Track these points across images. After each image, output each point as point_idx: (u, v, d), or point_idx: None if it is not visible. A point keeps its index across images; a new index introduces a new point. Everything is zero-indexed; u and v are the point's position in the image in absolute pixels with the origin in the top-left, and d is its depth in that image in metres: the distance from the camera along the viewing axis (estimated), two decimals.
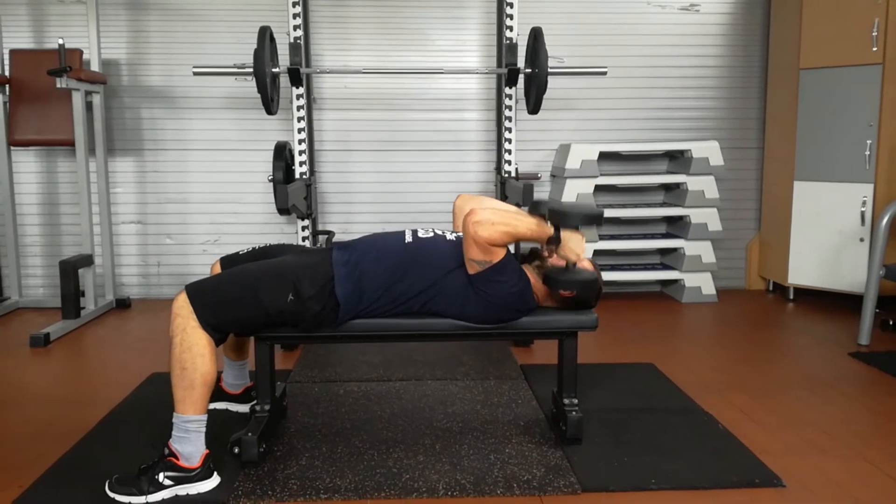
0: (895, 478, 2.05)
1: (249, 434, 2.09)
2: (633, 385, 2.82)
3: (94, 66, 4.04)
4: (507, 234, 2.03)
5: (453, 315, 2.14)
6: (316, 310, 2.05)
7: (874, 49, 3.74)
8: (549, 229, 2.12)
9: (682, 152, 4.31)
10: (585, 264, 2.24)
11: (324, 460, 2.14)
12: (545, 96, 3.46)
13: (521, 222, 2.08)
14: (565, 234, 2.12)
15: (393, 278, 2.11)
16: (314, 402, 2.63)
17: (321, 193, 4.37)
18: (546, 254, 2.21)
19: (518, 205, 3.24)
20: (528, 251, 2.30)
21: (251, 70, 3.31)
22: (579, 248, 2.15)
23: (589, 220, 2.15)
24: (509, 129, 3.67)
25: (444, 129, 4.43)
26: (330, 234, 3.88)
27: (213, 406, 2.32)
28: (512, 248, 2.41)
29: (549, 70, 3.41)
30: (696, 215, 4.23)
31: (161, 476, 1.91)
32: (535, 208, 2.29)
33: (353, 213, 4.44)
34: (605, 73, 3.74)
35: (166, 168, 4.38)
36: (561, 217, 2.11)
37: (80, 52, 3.98)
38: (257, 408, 2.22)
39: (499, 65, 3.88)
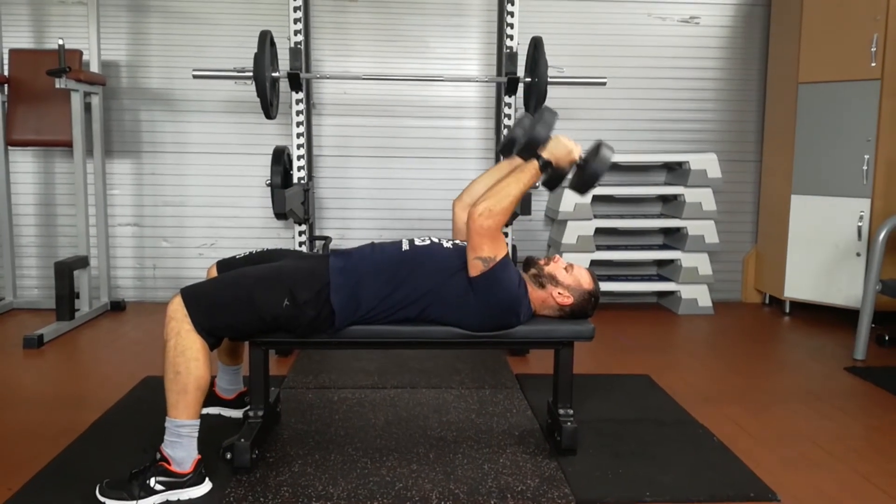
0: (889, 493, 2.04)
1: (242, 440, 2.08)
2: (629, 396, 2.81)
3: (94, 68, 4.04)
4: (509, 205, 2.05)
5: (451, 322, 2.13)
6: (311, 315, 2.05)
7: (873, 64, 3.75)
8: (534, 164, 2.12)
9: (680, 164, 4.31)
10: (584, 273, 2.24)
11: (316, 467, 2.13)
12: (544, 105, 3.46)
13: (510, 186, 2.08)
14: (548, 150, 2.13)
15: (390, 287, 2.10)
16: (308, 409, 2.61)
17: (319, 199, 4.36)
18: (543, 262, 2.22)
19: (516, 213, 3.25)
20: (525, 260, 2.30)
21: (251, 74, 3.31)
22: (567, 145, 2.15)
23: (545, 122, 2.14)
24: None
25: (443, 137, 4.43)
26: (327, 239, 3.88)
27: (205, 411, 2.31)
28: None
29: (549, 79, 3.41)
30: (693, 227, 4.24)
31: (152, 481, 1.89)
32: (507, 150, 2.32)
33: (350, 219, 4.43)
34: (604, 84, 3.75)
35: (164, 171, 4.37)
36: (529, 148, 2.13)
37: (80, 53, 3.98)
38: (250, 413, 2.21)
39: (498, 73, 3.88)
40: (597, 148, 2.16)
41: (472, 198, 2.31)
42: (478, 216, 2.02)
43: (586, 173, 2.16)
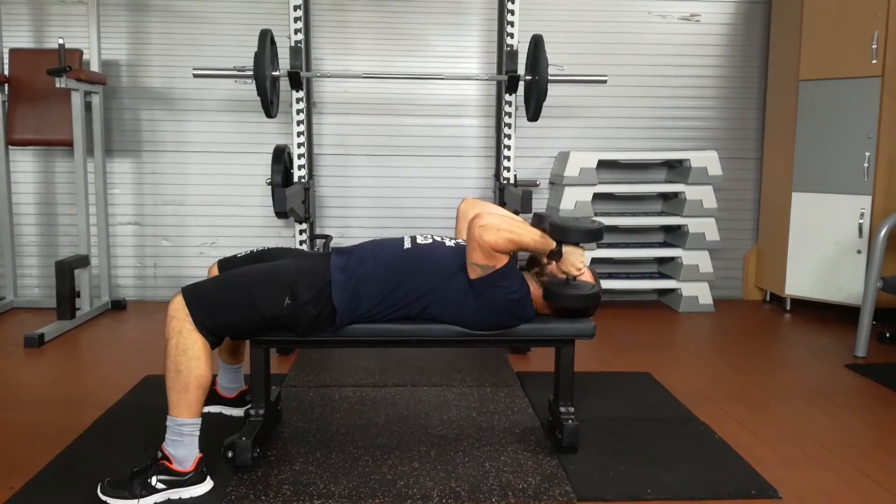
0: (891, 490, 2.04)
1: (243, 438, 2.08)
2: (630, 394, 2.81)
3: (94, 67, 4.04)
4: (512, 242, 2.03)
5: (452, 321, 2.13)
6: (312, 314, 2.04)
7: (873, 61, 3.75)
8: (552, 243, 2.12)
9: (680, 162, 4.31)
10: (586, 274, 2.24)
11: (318, 466, 2.13)
12: (545, 104, 3.46)
13: (525, 232, 2.08)
14: (567, 249, 2.13)
15: (391, 285, 2.10)
16: (309, 407, 2.61)
17: (319, 197, 4.36)
18: (546, 261, 2.21)
19: (517, 212, 3.24)
20: (528, 258, 2.29)
21: (251, 73, 3.31)
22: (580, 262, 2.15)
23: (590, 236, 2.14)
24: (508, 136, 3.67)
25: (444, 135, 4.43)
26: (328, 238, 3.88)
27: (207, 409, 2.30)
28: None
29: (550, 77, 3.41)
30: (693, 225, 4.23)
31: (154, 479, 1.89)
32: (538, 221, 2.29)
33: (351, 218, 4.43)
34: (605, 82, 3.74)
35: (164, 170, 4.37)
36: (562, 232, 2.12)
37: (80, 53, 3.98)
38: (252, 412, 2.21)
39: (499, 71, 3.88)
40: (592, 290, 2.16)
41: (483, 207, 2.32)
42: (481, 226, 2.01)
43: (563, 292, 2.14)
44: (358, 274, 2.10)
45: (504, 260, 2.06)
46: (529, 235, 2.09)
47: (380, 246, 2.21)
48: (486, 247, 2.01)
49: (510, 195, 3.45)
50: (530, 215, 4.17)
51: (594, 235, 2.15)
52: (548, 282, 2.19)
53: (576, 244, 2.14)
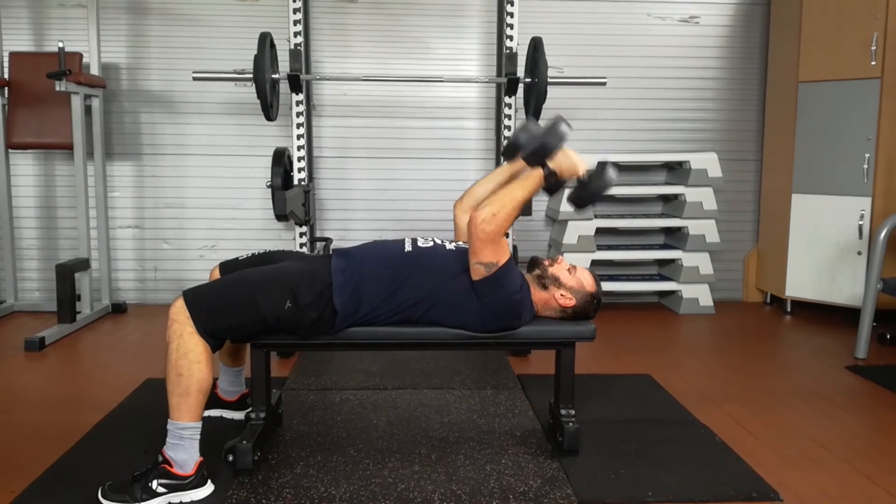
0: (891, 492, 2.04)
1: (244, 442, 2.08)
2: (630, 396, 2.81)
3: (94, 70, 4.04)
4: (512, 211, 2.04)
5: (453, 324, 2.13)
6: (313, 317, 2.04)
7: (873, 63, 3.75)
8: (537, 172, 2.10)
9: (680, 163, 4.31)
10: (586, 275, 2.24)
11: (318, 469, 2.13)
12: (544, 106, 3.46)
13: (514, 192, 2.08)
14: (554, 163, 2.11)
15: (391, 287, 2.10)
16: (310, 410, 2.61)
17: (319, 200, 4.37)
18: (547, 263, 2.22)
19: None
20: (529, 261, 2.29)
21: (251, 76, 3.31)
22: (574, 160, 2.13)
23: (556, 137, 2.09)
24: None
25: (444, 138, 4.43)
26: (328, 240, 3.88)
27: (207, 413, 2.31)
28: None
29: (549, 80, 3.41)
30: (694, 227, 4.23)
31: (154, 483, 1.89)
32: (510, 153, 2.28)
33: (351, 220, 4.44)
34: (604, 84, 3.75)
35: (164, 173, 4.37)
36: (536, 156, 2.10)
37: (80, 56, 3.98)
38: (252, 415, 2.21)
39: (498, 74, 3.88)
40: (602, 168, 2.13)
41: (473, 201, 2.32)
42: (480, 221, 2.01)
43: (587, 191, 2.15)
44: (358, 276, 2.10)
45: (506, 255, 2.07)
46: (520, 190, 2.08)
47: (380, 248, 2.21)
48: (494, 237, 2.01)
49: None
50: (531, 217, 4.18)
51: (563, 128, 2.10)
52: (570, 196, 2.16)
53: (556, 150, 2.10)
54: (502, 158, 2.34)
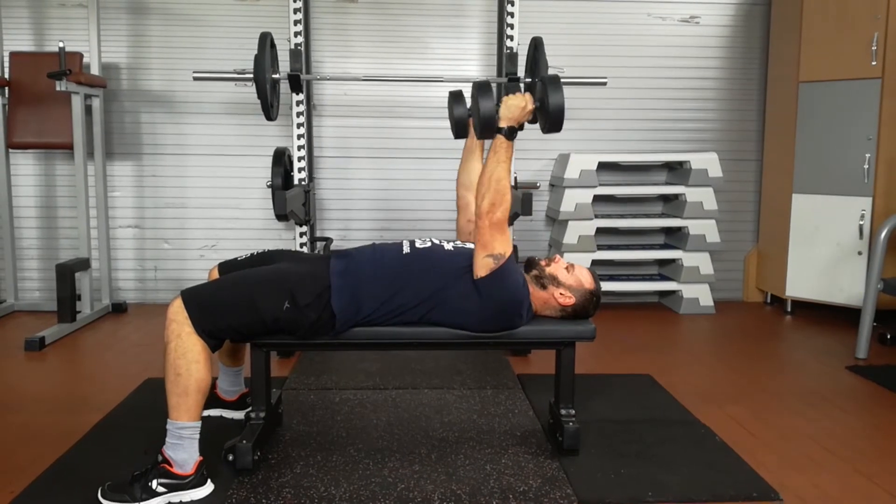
0: (892, 492, 2.04)
1: (244, 441, 2.08)
2: (631, 396, 2.81)
3: (95, 70, 4.04)
4: (505, 187, 2.08)
5: (453, 325, 2.13)
6: (312, 318, 2.04)
7: (873, 63, 3.75)
8: (500, 139, 2.13)
9: (681, 163, 4.31)
10: (585, 273, 2.24)
11: (318, 469, 2.13)
12: None
13: (498, 170, 2.09)
14: (504, 119, 2.13)
15: (391, 290, 2.10)
16: (310, 410, 2.61)
17: (320, 200, 4.36)
18: (544, 263, 2.22)
19: (517, 214, 3.25)
20: (526, 261, 2.29)
21: (251, 76, 3.31)
22: (516, 102, 2.14)
23: (487, 99, 2.10)
24: None
25: (444, 138, 4.37)
26: (328, 240, 3.88)
27: (207, 413, 2.31)
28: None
29: None
30: (694, 226, 4.23)
31: (154, 483, 1.89)
32: (460, 134, 2.37)
33: (351, 220, 4.43)
34: (605, 84, 3.75)
35: (165, 172, 4.37)
36: (487, 128, 2.13)
37: (81, 56, 3.98)
38: (252, 415, 2.21)
39: (499, 74, 3.88)
40: (543, 84, 2.15)
41: (469, 177, 2.41)
42: (486, 214, 2.04)
43: (549, 113, 2.15)
44: (357, 279, 2.10)
45: (510, 248, 2.09)
46: (497, 165, 2.10)
47: (379, 251, 2.20)
48: (502, 221, 2.06)
49: (511, 197, 3.45)
50: (531, 217, 4.17)
51: (485, 88, 2.12)
52: (543, 126, 2.20)
53: (496, 110, 2.12)
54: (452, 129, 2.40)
